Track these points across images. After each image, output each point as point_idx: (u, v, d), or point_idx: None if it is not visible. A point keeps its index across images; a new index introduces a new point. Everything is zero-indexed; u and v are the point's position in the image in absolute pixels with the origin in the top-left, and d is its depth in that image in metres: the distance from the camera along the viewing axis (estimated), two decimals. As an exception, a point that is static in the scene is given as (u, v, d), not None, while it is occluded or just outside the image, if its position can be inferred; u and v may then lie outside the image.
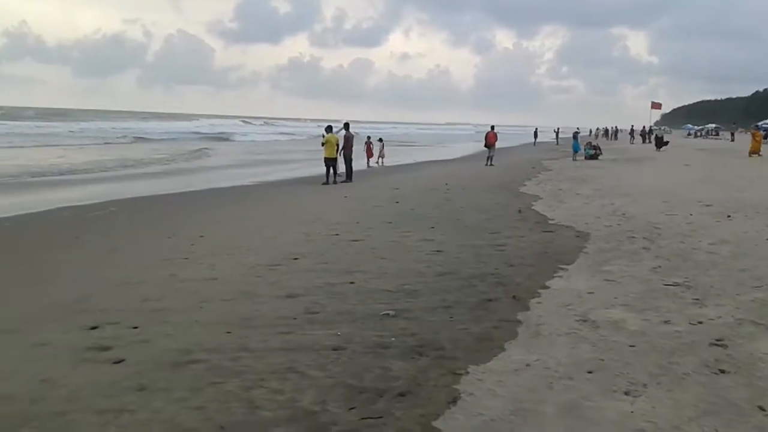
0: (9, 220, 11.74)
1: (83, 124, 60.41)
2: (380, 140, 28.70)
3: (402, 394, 3.88)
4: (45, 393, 4.11)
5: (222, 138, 51.60)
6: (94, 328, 5.40)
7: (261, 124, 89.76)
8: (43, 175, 21.32)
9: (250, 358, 4.58)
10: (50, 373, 4.43)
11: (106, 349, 4.88)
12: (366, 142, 27.51)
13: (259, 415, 3.69)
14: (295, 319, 5.47)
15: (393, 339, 4.87)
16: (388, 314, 5.50)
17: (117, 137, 47.47)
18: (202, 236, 9.74)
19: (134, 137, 47.71)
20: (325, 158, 19.02)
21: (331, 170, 18.96)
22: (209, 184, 18.82)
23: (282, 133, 62.23)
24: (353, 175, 19.73)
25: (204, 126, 69.99)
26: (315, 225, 10.64)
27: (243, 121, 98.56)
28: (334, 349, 4.70)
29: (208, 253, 8.48)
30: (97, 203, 14.18)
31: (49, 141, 39.91)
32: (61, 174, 22.06)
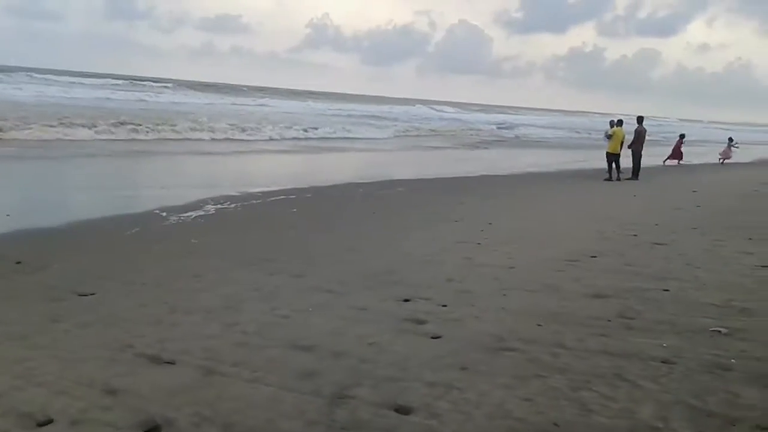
0: (311, 191, 13.03)
1: (371, 107, 64.73)
2: (730, 140, 26.71)
3: (764, 428, 3.34)
4: (374, 355, 4.35)
5: (492, 127, 51.88)
6: (407, 300, 5.65)
7: (534, 116, 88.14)
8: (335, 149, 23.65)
9: (569, 356, 4.37)
10: (375, 337, 4.70)
11: (422, 322, 5.05)
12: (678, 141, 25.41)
13: (594, 419, 3.46)
14: (609, 321, 5.12)
15: (733, 361, 4.27)
16: (719, 331, 4.86)
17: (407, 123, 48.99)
18: (490, 223, 9.78)
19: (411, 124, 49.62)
20: (608, 153, 17.96)
21: (614, 166, 17.86)
22: (487, 171, 19.03)
23: (552, 127, 60.19)
24: (640, 173, 18.34)
25: (471, 115, 71.06)
26: (607, 223, 10.04)
27: (513, 112, 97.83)
28: (664, 362, 4.26)
29: (500, 240, 8.46)
30: (385, 181, 15.16)
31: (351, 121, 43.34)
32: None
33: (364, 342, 4.60)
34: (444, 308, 5.44)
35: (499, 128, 51.29)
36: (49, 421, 3.31)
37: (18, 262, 6.64)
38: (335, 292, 5.91)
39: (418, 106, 79.04)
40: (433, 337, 4.73)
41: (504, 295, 5.90)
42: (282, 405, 3.59)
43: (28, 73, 58.29)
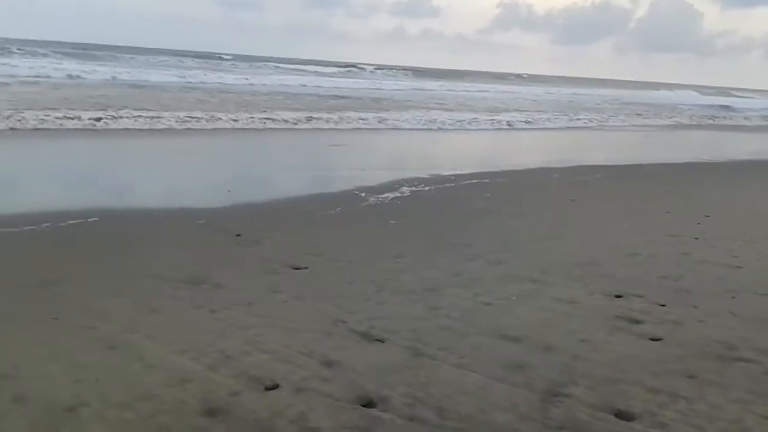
0: (503, 175, 12.71)
1: (560, 89, 61.91)
2: None
3: None
4: (587, 353, 4.13)
5: (706, 108, 47.00)
6: (618, 296, 5.30)
7: (756, 97, 77.63)
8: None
9: (821, 374, 3.80)
10: (586, 333, 4.46)
11: (638, 322, 4.71)
12: None
13: None
14: None
15: None
16: None
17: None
18: (707, 216, 8.89)
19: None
20: None
21: None
22: (698, 157, 17.42)
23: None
24: None
25: (676, 96, 64.87)
26: None
27: (730, 93, 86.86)
28: None
29: (720, 235, 7.66)
30: (580, 166, 14.42)
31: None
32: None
33: (575, 338, 4.38)
34: (662, 308, 5.02)
35: (713, 109, 46.46)
36: (276, 387, 3.54)
37: (238, 235, 7.22)
38: (538, 282, 5.71)
39: (662, 90, 73.92)
40: (652, 339, 4.38)
41: (732, 297, 5.32)
42: (492, 395, 3.51)
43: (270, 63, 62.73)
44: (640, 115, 34.94)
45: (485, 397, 3.49)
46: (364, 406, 3.37)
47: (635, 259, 6.56)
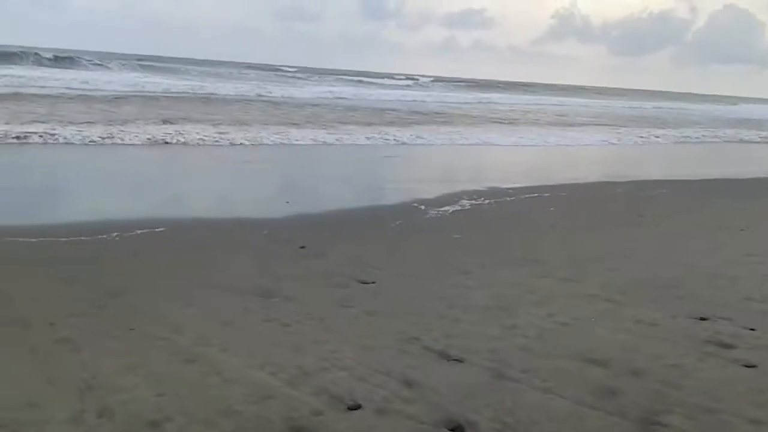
0: (564, 189, 12.43)
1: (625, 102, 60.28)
2: None
3: None
4: (678, 379, 3.92)
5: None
6: (703, 319, 5.04)
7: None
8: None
9: None
10: (675, 358, 4.25)
11: (729, 347, 4.46)
12: None
13: None
14: None
15: None
16: None
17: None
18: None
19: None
20: None
21: None
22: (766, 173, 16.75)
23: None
24: None
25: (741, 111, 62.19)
26: None
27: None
28: None
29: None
30: (644, 181, 14.02)
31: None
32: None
33: (664, 362, 4.17)
34: (752, 332, 4.75)
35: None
36: (358, 407, 3.45)
37: (302, 247, 7.19)
38: (615, 302, 5.50)
39: (740, 104, 71.37)
40: (746, 365, 4.14)
41: (825, 323, 4.99)
42: (585, 423, 3.35)
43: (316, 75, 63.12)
44: (718, 128, 34.04)
45: (577, 424, 3.33)
46: (451, 430, 3.25)
47: (714, 280, 6.26)
